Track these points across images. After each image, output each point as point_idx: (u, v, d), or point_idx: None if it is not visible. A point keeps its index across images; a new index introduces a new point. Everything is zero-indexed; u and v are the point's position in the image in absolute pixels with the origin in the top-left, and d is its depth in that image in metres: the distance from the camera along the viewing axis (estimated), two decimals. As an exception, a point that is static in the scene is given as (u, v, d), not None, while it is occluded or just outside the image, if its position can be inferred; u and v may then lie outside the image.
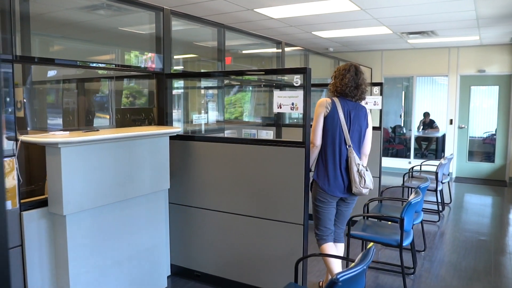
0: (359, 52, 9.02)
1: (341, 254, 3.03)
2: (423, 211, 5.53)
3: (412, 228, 3.34)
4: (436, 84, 9.03)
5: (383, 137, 9.25)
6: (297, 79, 2.69)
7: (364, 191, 2.81)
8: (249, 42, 6.33)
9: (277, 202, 2.85)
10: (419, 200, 3.04)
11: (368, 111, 2.96)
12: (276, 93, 2.78)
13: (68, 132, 2.57)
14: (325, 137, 2.81)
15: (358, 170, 2.77)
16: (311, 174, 2.87)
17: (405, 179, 5.47)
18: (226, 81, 5.45)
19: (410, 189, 5.20)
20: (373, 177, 4.66)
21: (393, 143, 9.57)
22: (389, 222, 3.73)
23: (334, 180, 2.80)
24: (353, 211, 4.48)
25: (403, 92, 9.55)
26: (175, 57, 6.92)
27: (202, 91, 4.09)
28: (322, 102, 2.83)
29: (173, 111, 3.76)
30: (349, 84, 2.81)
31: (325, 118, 2.80)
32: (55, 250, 2.52)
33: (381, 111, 4.61)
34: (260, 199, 2.93)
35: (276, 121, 5.19)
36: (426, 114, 9.07)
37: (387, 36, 7.02)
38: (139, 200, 2.94)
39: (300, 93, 2.68)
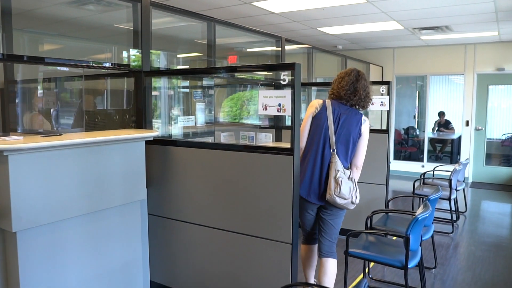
0: (369, 50, 8.60)
1: (331, 272, 2.73)
2: (435, 221, 5.11)
3: (420, 245, 2.95)
4: (451, 83, 8.55)
5: (395, 139, 8.87)
6: (284, 76, 2.34)
7: (339, 200, 2.59)
8: (253, 39, 5.99)
9: (262, 217, 2.50)
10: (427, 215, 2.65)
11: (364, 119, 2.73)
12: (262, 92, 2.44)
13: (22, 137, 2.27)
14: (308, 138, 2.70)
15: (335, 176, 2.58)
16: None
17: (416, 186, 5.04)
18: (219, 80, 5.12)
19: (421, 198, 4.78)
20: (379, 184, 4.34)
21: (406, 145, 9.11)
22: (394, 238, 3.36)
23: (309, 185, 2.66)
24: (354, 224, 4.12)
25: (417, 92, 9.08)
26: (178, 56, 6.65)
27: (190, 91, 3.77)
28: (313, 103, 2.75)
29: (160, 113, 3.45)
30: (345, 88, 2.70)
31: (313, 119, 2.71)
32: (5, 272, 2.22)
33: (388, 112, 4.21)
34: (244, 213, 2.59)
35: (276, 122, 4.84)
36: (441, 114, 8.57)
37: (398, 32, 6.60)
38: (109, 212, 2.62)
39: (288, 93, 2.32)
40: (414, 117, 9.21)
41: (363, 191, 4.36)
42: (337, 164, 2.60)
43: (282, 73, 2.34)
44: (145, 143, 2.96)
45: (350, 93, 2.69)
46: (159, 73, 3.13)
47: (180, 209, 2.89)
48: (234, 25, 4.22)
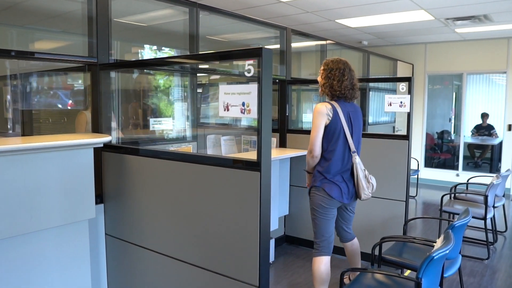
0: (398, 46, 7.81)
1: (358, 248, 2.98)
2: (466, 242, 4.35)
3: (441, 284, 2.30)
4: (492, 83, 7.62)
5: (427, 145, 8.02)
6: (249, 67, 1.77)
7: (371, 195, 2.75)
8: (269, 35, 5.44)
9: (224, 249, 1.95)
10: (447, 252, 2.00)
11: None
12: (223, 88, 1.88)
13: None
14: (329, 145, 2.64)
15: (365, 175, 2.68)
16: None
17: (445, 201, 4.30)
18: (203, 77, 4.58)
19: (450, 217, 4.05)
20: (397, 201, 3.66)
21: (439, 151, 8.23)
22: (408, 271, 2.71)
23: (344, 187, 2.67)
24: (365, 246, 3.51)
25: (454, 93, 8.20)
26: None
27: (168, 89, 3.28)
28: (322, 110, 2.60)
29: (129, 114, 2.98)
30: (348, 86, 2.65)
31: (327, 126, 2.62)
32: None
33: (409, 114, 3.52)
34: (205, 242, 2.04)
35: (280, 125, 4.26)
36: (484, 115, 7.65)
37: (429, 24, 5.83)
38: (43, 235, 2.14)
39: (253, 88, 1.75)
40: (450, 120, 8.33)
41: (379, 207, 3.72)
42: (361, 164, 2.68)
43: (247, 62, 1.78)
44: (101, 151, 2.50)
45: (351, 89, 2.67)
46: (116, 65, 2.63)
47: (137, 231, 2.39)
48: (223, 12, 3.67)
